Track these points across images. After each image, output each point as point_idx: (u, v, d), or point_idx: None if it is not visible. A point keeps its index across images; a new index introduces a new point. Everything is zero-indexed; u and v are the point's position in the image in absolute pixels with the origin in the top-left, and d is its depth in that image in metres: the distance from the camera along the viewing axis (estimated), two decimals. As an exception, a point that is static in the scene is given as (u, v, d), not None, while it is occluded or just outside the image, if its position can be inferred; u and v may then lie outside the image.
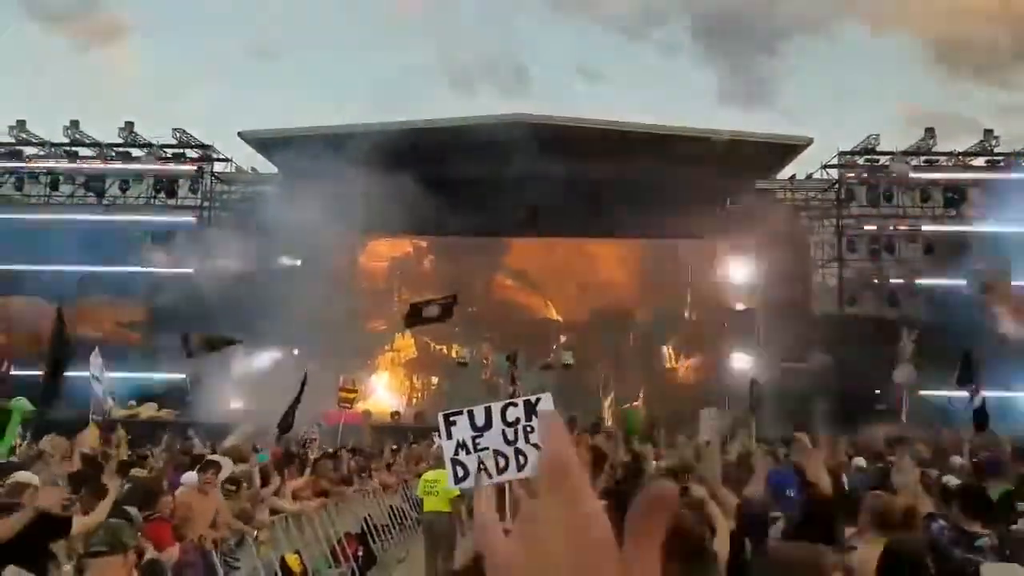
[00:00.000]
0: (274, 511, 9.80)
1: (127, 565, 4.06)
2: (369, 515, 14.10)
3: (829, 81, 66.27)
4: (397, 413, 30.75)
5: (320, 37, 66.52)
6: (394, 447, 19.75)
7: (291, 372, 21.27)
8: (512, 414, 6.14)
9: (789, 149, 29.39)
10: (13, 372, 27.13)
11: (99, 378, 14.46)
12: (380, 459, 17.76)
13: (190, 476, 8.64)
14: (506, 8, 65.69)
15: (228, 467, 9.45)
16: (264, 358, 27.58)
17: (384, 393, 33.45)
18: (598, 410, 31.16)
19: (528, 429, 6.08)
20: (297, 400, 19.11)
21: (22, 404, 11.11)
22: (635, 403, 32.17)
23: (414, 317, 22.79)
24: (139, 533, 4.29)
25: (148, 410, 27.52)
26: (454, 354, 34.08)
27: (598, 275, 34.48)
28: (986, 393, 17.36)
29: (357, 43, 69.07)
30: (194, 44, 68.23)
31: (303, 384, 19.19)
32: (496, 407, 6.25)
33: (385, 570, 13.39)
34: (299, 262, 29.49)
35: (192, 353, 20.98)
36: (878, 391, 25.81)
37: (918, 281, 29.58)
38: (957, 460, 11.53)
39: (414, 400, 34.14)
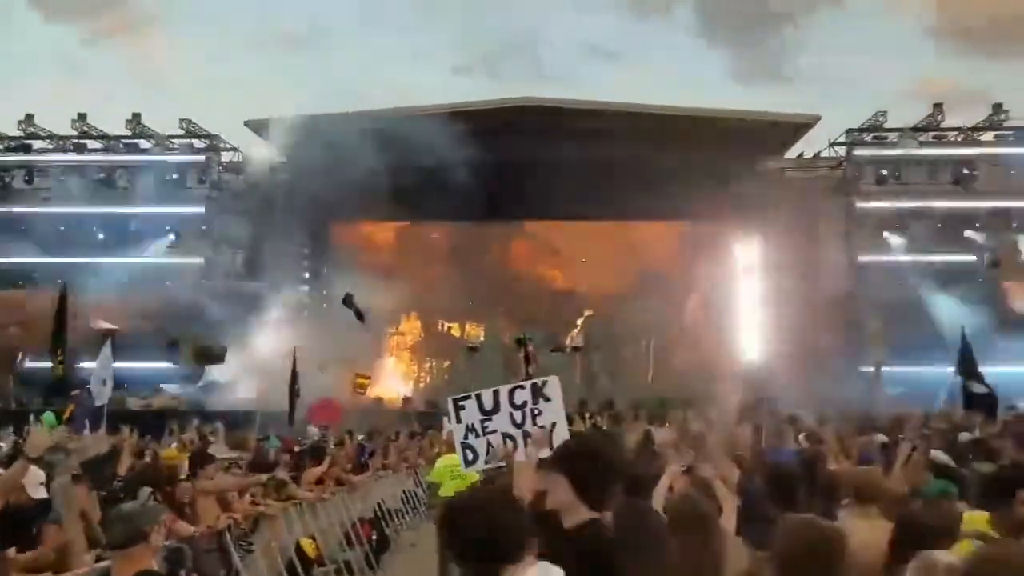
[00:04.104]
0: (291, 498, 9.94)
1: (151, 550, 4.15)
2: (382, 500, 14.26)
3: (836, 58, 65.79)
4: (408, 399, 30.84)
5: (327, 23, 66.38)
6: (417, 433, 19.92)
7: (302, 359, 21.44)
8: (520, 397, 6.28)
9: (797, 127, 29.30)
10: (28, 365, 27.46)
11: (105, 373, 14.52)
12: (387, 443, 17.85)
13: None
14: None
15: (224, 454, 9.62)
16: (272, 345, 27.64)
17: (392, 379, 33.33)
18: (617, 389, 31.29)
19: (536, 412, 6.21)
20: (293, 385, 19.39)
21: (48, 419, 11.29)
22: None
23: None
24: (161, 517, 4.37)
25: (162, 400, 27.72)
26: (464, 335, 34.10)
27: (607, 257, 34.25)
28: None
29: (366, 29, 68.97)
30: (200, 33, 68.23)
31: (294, 366, 19.47)
32: (504, 390, 6.38)
33: (398, 554, 13.55)
34: (304, 248, 29.56)
35: (178, 362, 21.08)
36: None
37: (928, 258, 29.54)
38: (966, 436, 11.58)
39: (421, 384, 34.14)
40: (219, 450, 9.51)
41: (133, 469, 8.65)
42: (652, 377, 32.82)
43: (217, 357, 22.01)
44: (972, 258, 29.10)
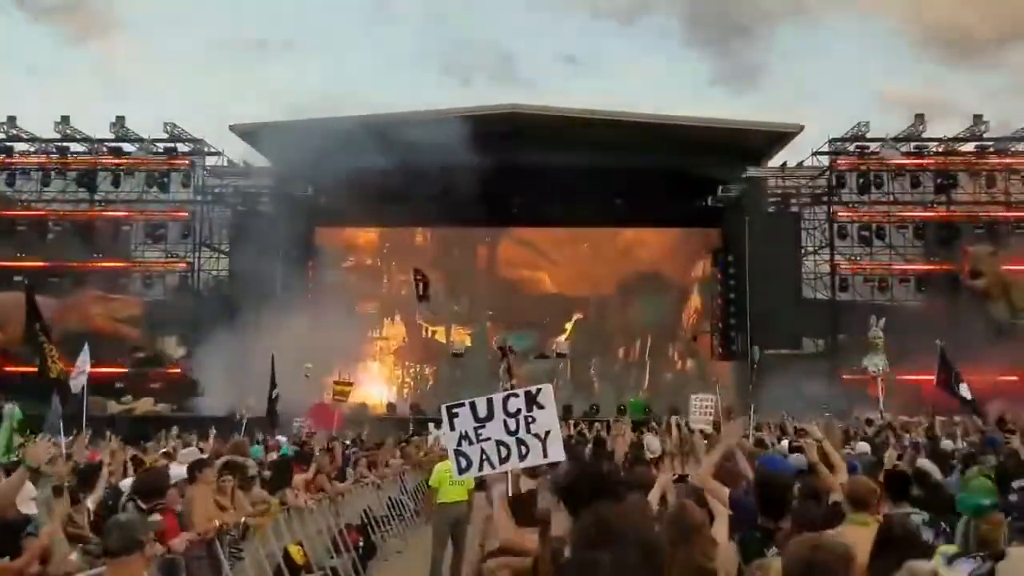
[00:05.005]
0: (282, 503, 9.94)
1: (144, 560, 4.16)
2: (369, 507, 14.22)
3: (819, 67, 66.38)
4: (392, 406, 30.71)
5: (308, 27, 66.30)
6: (403, 442, 19.89)
7: (282, 363, 21.37)
8: (513, 405, 6.29)
9: (780, 136, 29.52)
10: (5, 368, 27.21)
11: (83, 374, 14.44)
12: (376, 451, 17.81)
13: (179, 470, 8.77)
14: (495, -2, 65.59)
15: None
16: (257, 349, 27.50)
17: (376, 384, 33.13)
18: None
19: (529, 419, 6.23)
20: (272, 390, 19.38)
21: (14, 412, 11.05)
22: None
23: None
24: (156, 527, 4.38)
25: (144, 405, 27.54)
26: (450, 339, 33.98)
27: (595, 260, 34.18)
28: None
29: (352, 35, 68.98)
30: (184, 36, 68.00)
31: (272, 370, 19.45)
32: (498, 398, 6.39)
33: (385, 560, 13.54)
34: (289, 252, 29.40)
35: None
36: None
37: (909, 267, 29.92)
38: (948, 445, 11.71)
39: (405, 391, 34.04)
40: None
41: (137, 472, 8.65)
42: (647, 382, 33.02)
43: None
44: (952, 266, 29.43)
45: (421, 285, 28.05)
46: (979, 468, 8.54)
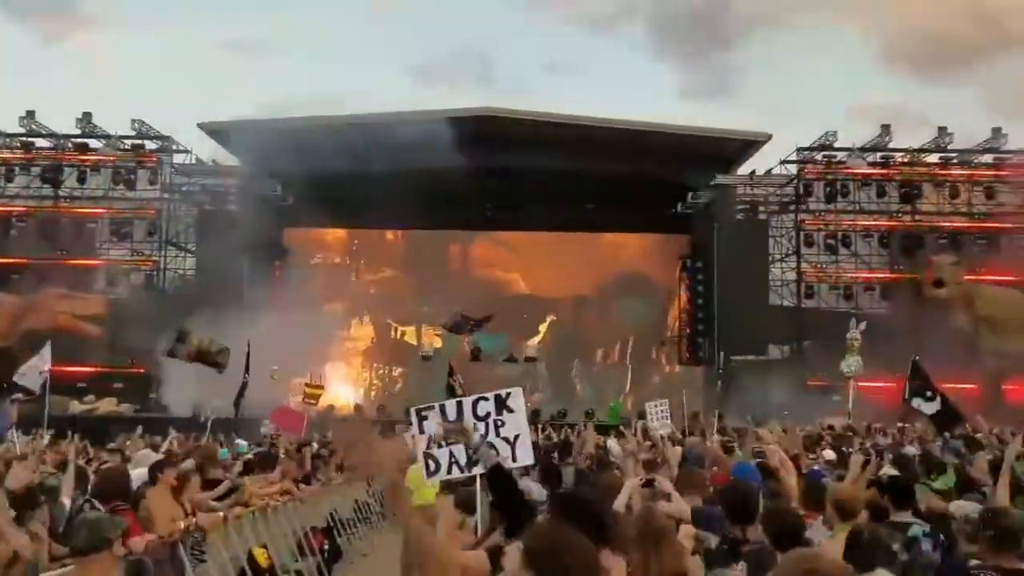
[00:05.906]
0: (247, 504, 9.84)
1: (112, 558, 4.12)
2: (335, 509, 14.13)
3: (789, 77, 67.13)
4: (360, 407, 30.48)
5: (285, 27, 65.91)
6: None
7: (250, 364, 21.18)
8: (483, 408, 6.28)
9: (748, 145, 29.76)
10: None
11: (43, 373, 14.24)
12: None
13: (140, 473, 8.67)
14: (472, 1, 65.65)
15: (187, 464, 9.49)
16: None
17: (342, 385, 32.85)
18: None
19: (499, 423, 6.23)
20: (245, 374, 19.24)
21: None
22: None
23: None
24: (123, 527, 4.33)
25: (107, 405, 27.13)
26: (420, 341, 33.83)
27: (569, 262, 34.15)
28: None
29: (324, 33, 68.56)
30: (155, 34, 67.25)
31: (247, 360, 19.27)
32: (467, 401, 6.39)
33: (351, 563, 13.46)
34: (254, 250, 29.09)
35: (174, 355, 20.75)
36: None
37: (873, 275, 30.32)
38: (910, 451, 11.85)
39: (372, 393, 33.81)
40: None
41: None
42: (629, 385, 33.16)
43: (217, 363, 21.26)
44: (916, 276, 29.84)
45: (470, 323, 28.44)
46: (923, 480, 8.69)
